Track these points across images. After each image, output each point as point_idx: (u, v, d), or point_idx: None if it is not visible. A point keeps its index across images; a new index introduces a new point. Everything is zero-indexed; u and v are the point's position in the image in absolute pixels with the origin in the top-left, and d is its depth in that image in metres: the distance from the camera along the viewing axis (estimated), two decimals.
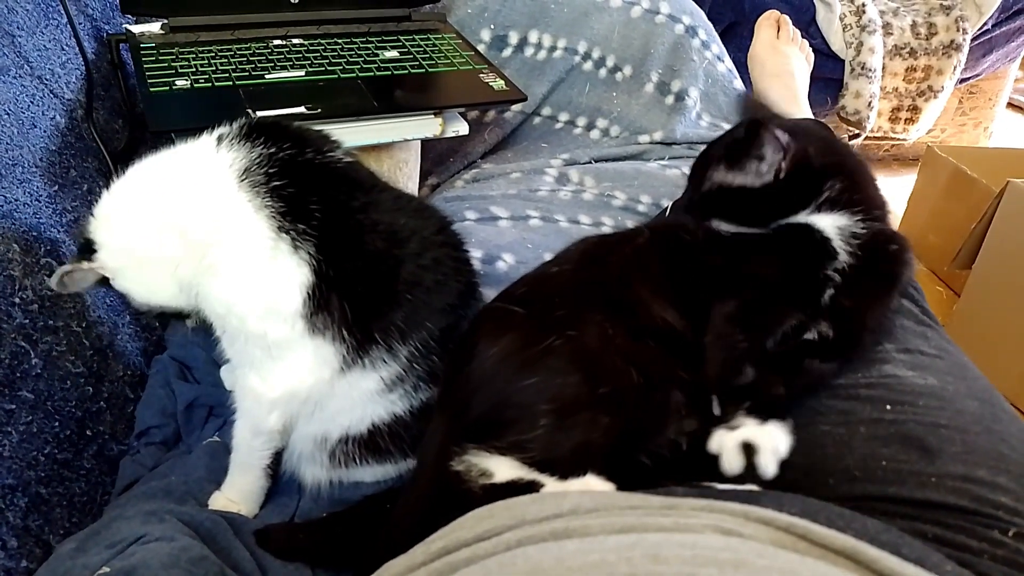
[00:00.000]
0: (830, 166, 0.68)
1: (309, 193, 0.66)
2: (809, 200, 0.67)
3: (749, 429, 0.58)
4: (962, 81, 2.13)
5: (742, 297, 0.63)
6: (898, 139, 2.19)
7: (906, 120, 2.13)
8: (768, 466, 0.57)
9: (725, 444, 0.58)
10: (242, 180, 0.65)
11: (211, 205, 0.66)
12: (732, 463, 0.57)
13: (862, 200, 0.68)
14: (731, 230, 0.70)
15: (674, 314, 0.62)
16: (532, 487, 0.56)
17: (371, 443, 0.73)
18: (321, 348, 0.67)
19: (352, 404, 0.71)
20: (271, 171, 0.66)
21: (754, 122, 0.67)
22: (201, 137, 0.70)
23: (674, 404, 0.59)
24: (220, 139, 0.68)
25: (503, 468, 0.57)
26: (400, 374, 0.70)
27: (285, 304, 0.65)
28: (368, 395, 0.70)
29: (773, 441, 0.58)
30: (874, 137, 2.16)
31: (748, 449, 0.57)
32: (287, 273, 0.65)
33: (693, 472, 0.58)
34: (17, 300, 0.73)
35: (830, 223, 0.67)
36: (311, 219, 0.65)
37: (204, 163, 0.67)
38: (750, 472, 0.57)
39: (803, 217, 0.68)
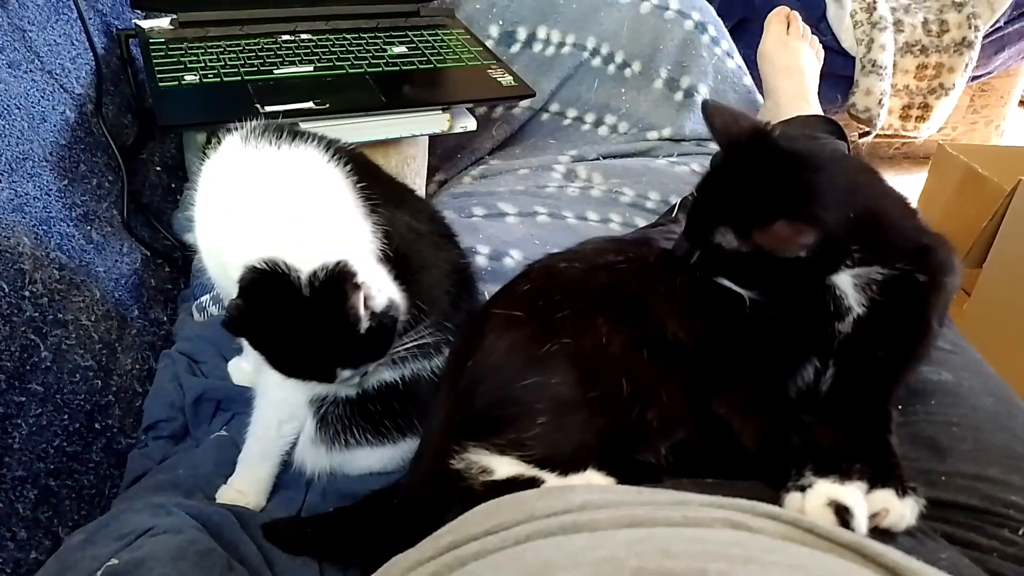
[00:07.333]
0: (854, 228, 0.57)
1: (370, 185, 0.69)
2: (832, 267, 0.58)
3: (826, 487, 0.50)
4: (974, 79, 2.11)
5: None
6: (909, 137, 2.17)
7: (917, 118, 2.11)
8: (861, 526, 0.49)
9: (808, 506, 0.50)
10: (347, 176, 0.67)
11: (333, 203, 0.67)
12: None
13: (885, 247, 0.58)
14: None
15: (689, 333, 0.60)
16: (533, 483, 0.56)
17: (362, 409, 0.73)
18: None
19: None
20: (350, 167, 0.68)
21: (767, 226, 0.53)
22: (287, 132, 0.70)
23: (650, 419, 0.58)
24: (307, 137, 0.69)
25: (503, 466, 0.57)
26: None
27: None
28: None
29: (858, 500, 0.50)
30: (884, 135, 2.15)
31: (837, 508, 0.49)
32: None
33: (699, 470, 0.58)
34: (27, 293, 0.73)
35: (846, 279, 0.58)
36: (375, 208, 0.68)
37: (317, 161, 0.68)
38: None
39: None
